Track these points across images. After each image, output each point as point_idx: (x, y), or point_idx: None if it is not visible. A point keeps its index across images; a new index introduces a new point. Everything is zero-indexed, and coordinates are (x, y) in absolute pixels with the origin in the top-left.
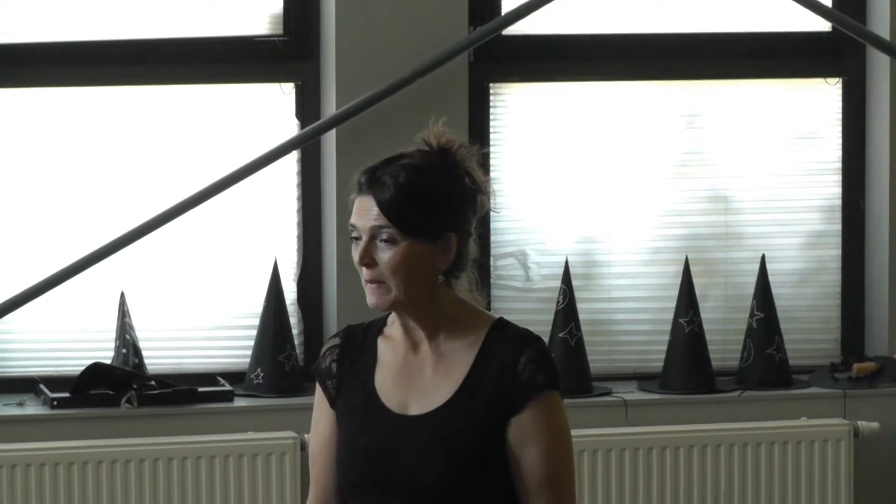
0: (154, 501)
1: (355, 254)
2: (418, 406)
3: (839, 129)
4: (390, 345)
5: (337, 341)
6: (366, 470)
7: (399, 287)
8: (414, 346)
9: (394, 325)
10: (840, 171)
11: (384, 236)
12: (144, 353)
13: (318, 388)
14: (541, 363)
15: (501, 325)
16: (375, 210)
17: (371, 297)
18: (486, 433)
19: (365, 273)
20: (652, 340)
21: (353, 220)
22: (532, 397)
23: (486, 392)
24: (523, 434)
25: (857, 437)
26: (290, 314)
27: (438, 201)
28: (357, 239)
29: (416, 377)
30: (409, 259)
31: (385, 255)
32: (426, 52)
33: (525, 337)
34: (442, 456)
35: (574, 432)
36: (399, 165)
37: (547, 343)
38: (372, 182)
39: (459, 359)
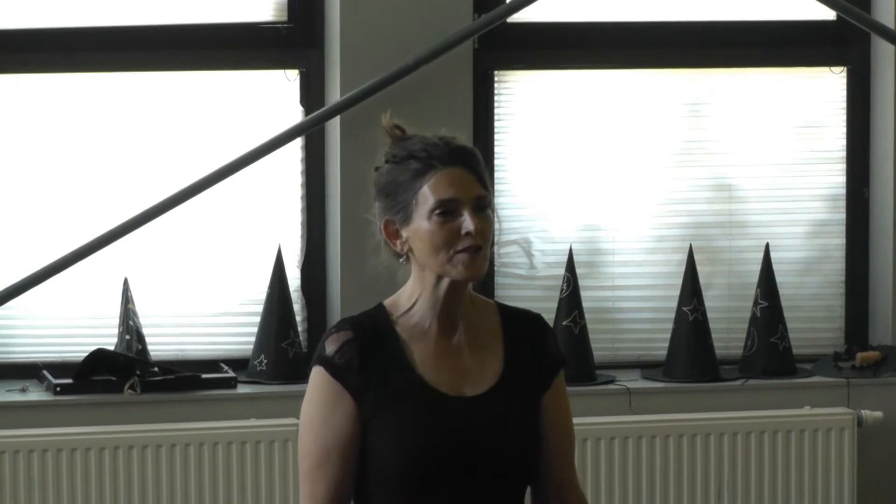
0: (157, 488)
1: (457, 224)
2: (472, 388)
3: (843, 117)
4: (415, 332)
5: (350, 335)
6: (434, 455)
7: (489, 256)
8: (447, 330)
9: (412, 313)
10: (844, 160)
11: (483, 204)
12: (148, 340)
13: (330, 384)
14: (556, 340)
15: (505, 307)
16: (473, 178)
17: (474, 267)
18: (532, 409)
19: (473, 241)
20: (655, 329)
21: (450, 193)
22: (558, 373)
23: (524, 370)
24: (557, 407)
25: (860, 426)
26: (293, 301)
27: None
28: (448, 213)
29: (458, 361)
30: (493, 227)
31: (485, 222)
32: (431, 40)
33: (537, 316)
34: (509, 433)
35: (577, 420)
36: (452, 139)
37: None
38: (455, 153)
39: (490, 341)
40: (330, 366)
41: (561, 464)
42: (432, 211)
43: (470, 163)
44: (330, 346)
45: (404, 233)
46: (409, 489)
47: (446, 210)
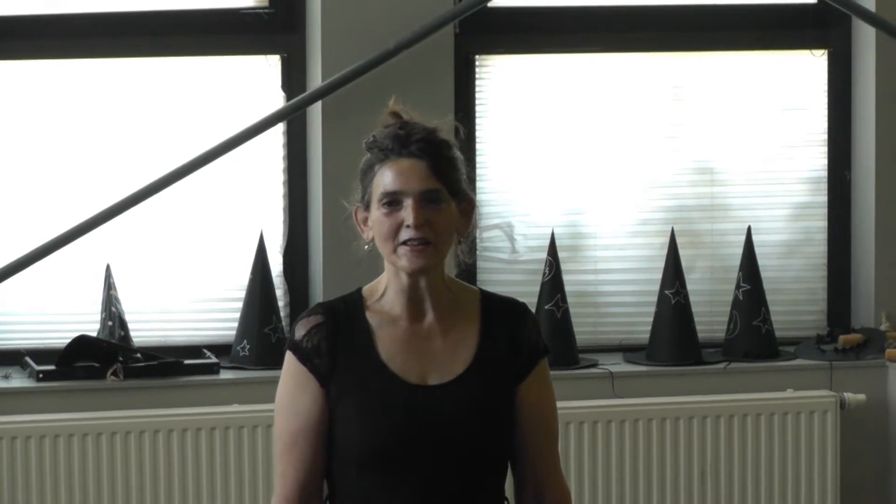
0: (140, 473)
1: (399, 217)
2: (438, 376)
3: (825, 100)
4: (385, 318)
5: (320, 318)
6: (394, 441)
7: (441, 249)
8: (417, 317)
9: (384, 299)
10: (826, 143)
11: (434, 197)
12: (130, 326)
13: (298, 368)
14: (538, 329)
15: (489, 295)
16: (425, 171)
17: (417, 259)
18: (503, 397)
19: (414, 233)
20: (638, 312)
21: (395, 185)
22: (538, 362)
23: (498, 359)
24: (535, 397)
25: (843, 408)
26: (276, 286)
27: (460, 164)
28: (394, 204)
29: (426, 348)
30: (452, 220)
31: (438, 215)
32: (412, 24)
33: (520, 304)
34: (471, 420)
35: (560, 404)
36: (422, 129)
37: None
38: (410, 145)
39: (465, 328)
40: (298, 350)
41: (538, 455)
42: (379, 201)
43: (428, 154)
44: (299, 331)
45: (369, 220)
46: (368, 474)
47: (391, 201)
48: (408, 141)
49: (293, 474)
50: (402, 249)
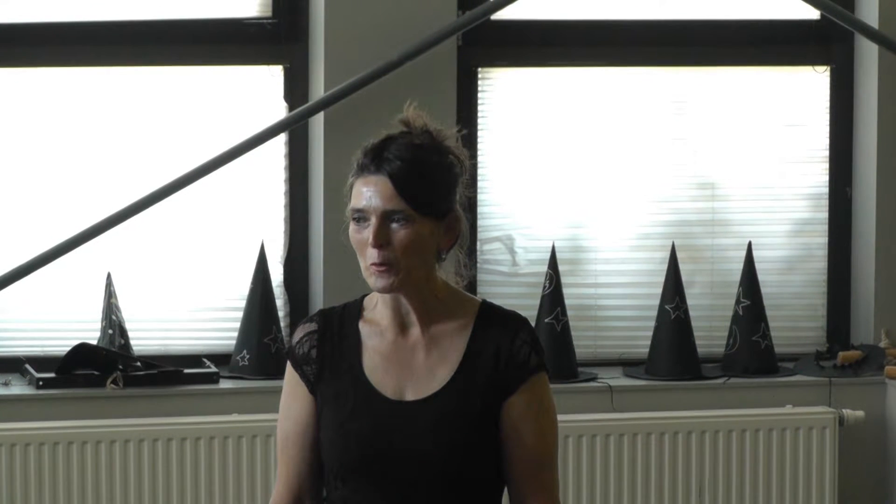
0: (138, 482)
1: (365, 235)
2: (414, 391)
3: (827, 116)
4: (375, 329)
5: (314, 326)
6: (361, 455)
7: (408, 268)
8: (403, 329)
9: (376, 309)
10: (827, 159)
11: (399, 216)
12: (130, 334)
13: (292, 374)
14: (534, 345)
15: (488, 308)
16: (390, 190)
17: (380, 280)
18: (483, 415)
19: (376, 255)
20: (638, 326)
21: (361, 203)
22: (527, 379)
23: (482, 374)
24: (519, 415)
25: (842, 425)
26: (276, 296)
27: (441, 179)
28: (362, 220)
29: (409, 362)
30: (422, 238)
31: (400, 234)
32: (415, 36)
33: (516, 319)
34: (441, 440)
35: (559, 418)
36: (401, 144)
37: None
38: (381, 162)
39: (452, 342)
40: (291, 356)
41: (522, 477)
42: (351, 216)
43: (395, 173)
44: (295, 337)
45: None
46: (344, 484)
47: (359, 217)
48: (379, 157)
49: (284, 478)
50: (372, 268)
